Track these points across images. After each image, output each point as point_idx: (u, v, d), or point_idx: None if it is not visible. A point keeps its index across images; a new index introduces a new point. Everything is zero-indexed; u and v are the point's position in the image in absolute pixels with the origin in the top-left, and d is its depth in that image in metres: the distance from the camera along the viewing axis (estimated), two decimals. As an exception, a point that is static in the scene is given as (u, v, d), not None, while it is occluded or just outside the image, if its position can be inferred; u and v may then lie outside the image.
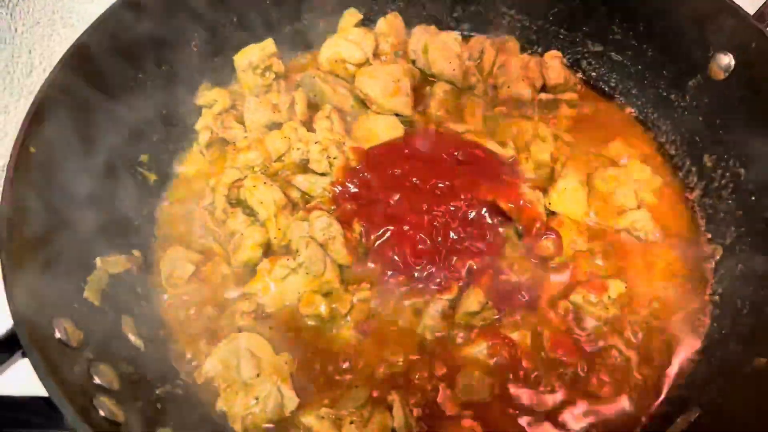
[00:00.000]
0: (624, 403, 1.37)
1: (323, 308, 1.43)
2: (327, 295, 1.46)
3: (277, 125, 1.71)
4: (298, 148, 1.65)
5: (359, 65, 1.82)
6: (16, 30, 1.92)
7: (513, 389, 1.36)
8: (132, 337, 1.36)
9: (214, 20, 1.76)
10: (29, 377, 1.05)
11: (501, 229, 1.54)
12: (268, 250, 1.54)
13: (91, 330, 1.23)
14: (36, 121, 1.31)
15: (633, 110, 1.85)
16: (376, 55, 1.85)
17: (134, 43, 1.57)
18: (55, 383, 1.02)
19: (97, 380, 1.17)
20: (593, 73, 1.91)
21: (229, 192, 1.60)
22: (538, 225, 1.50)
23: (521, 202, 1.51)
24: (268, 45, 1.77)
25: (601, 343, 1.42)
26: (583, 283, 1.48)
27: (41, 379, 1.02)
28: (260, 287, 1.46)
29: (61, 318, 1.18)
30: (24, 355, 1.11)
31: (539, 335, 1.42)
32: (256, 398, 1.31)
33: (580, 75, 1.91)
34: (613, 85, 1.88)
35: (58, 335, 1.15)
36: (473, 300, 1.40)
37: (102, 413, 1.09)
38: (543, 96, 1.80)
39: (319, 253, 1.46)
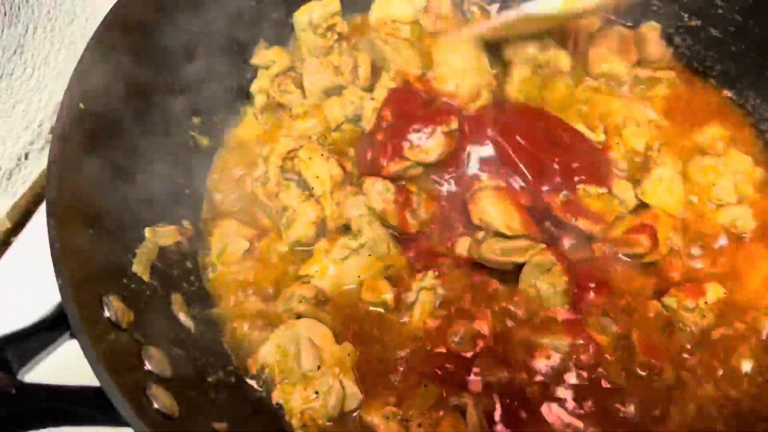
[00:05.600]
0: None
1: (388, 295, 1.31)
2: (392, 280, 1.33)
3: (337, 90, 1.56)
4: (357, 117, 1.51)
5: (411, 24, 1.68)
6: (60, -29, 1.78)
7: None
8: (182, 317, 1.25)
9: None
10: (77, 364, 0.94)
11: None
12: (322, 228, 1.40)
13: (140, 309, 1.12)
14: (86, 73, 1.19)
15: (730, 93, 1.66)
16: (426, 10, 1.69)
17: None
18: (108, 372, 0.90)
19: (149, 366, 1.05)
20: (686, 51, 1.71)
21: (284, 163, 1.46)
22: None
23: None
24: (332, 2, 1.61)
25: (696, 358, 1.28)
26: (677, 285, 1.33)
27: (93, 367, 0.90)
28: (317, 269, 1.34)
29: (111, 295, 1.07)
30: (72, 336, 1.01)
31: (627, 337, 1.28)
32: (316, 392, 1.18)
33: (671, 51, 1.72)
34: (708, 64, 1.69)
35: (107, 314, 1.04)
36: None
37: (156, 405, 0.97)
38: (640, 72, 1.62)
39: (382, 232, 1.33)
